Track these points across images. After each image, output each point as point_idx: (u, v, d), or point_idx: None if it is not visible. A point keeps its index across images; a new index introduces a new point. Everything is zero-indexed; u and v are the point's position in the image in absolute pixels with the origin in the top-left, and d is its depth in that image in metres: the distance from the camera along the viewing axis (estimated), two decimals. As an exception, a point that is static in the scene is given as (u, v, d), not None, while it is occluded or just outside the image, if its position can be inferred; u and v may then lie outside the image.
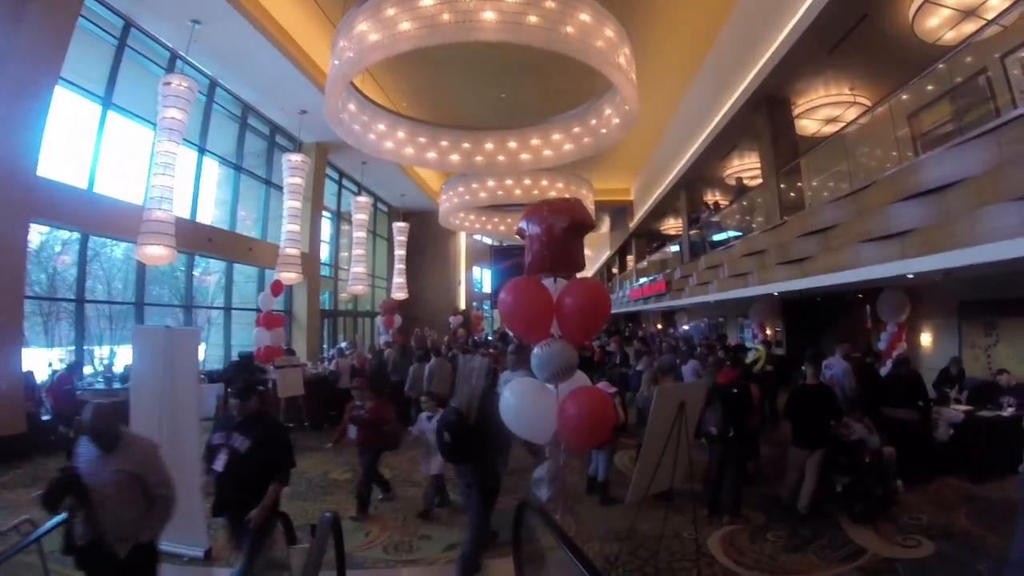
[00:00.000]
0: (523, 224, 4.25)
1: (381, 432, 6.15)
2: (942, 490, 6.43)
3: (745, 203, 13.34)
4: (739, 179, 14.19)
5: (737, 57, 10.96)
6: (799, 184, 10.38)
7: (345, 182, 18.76)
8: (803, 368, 6.51)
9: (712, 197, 16.98)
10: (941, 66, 8.13)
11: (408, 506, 6.29)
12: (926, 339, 9.56)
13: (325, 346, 16.79)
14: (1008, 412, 7.01)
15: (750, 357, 9.68)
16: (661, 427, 4.21)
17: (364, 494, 6.13)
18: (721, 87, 12.04)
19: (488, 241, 27.59)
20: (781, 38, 9.30)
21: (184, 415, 4.99)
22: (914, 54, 8.56)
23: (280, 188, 13.91)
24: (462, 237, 25.14)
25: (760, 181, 11.94)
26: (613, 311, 18.36)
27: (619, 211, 24.07)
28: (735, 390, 5.96)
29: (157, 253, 9.29)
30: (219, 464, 3.81)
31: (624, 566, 4.86)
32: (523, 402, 4.11)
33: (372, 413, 6.16)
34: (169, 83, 9.37)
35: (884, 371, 7.94)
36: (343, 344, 14.61)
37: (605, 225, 26.69)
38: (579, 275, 4.43)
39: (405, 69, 13.72)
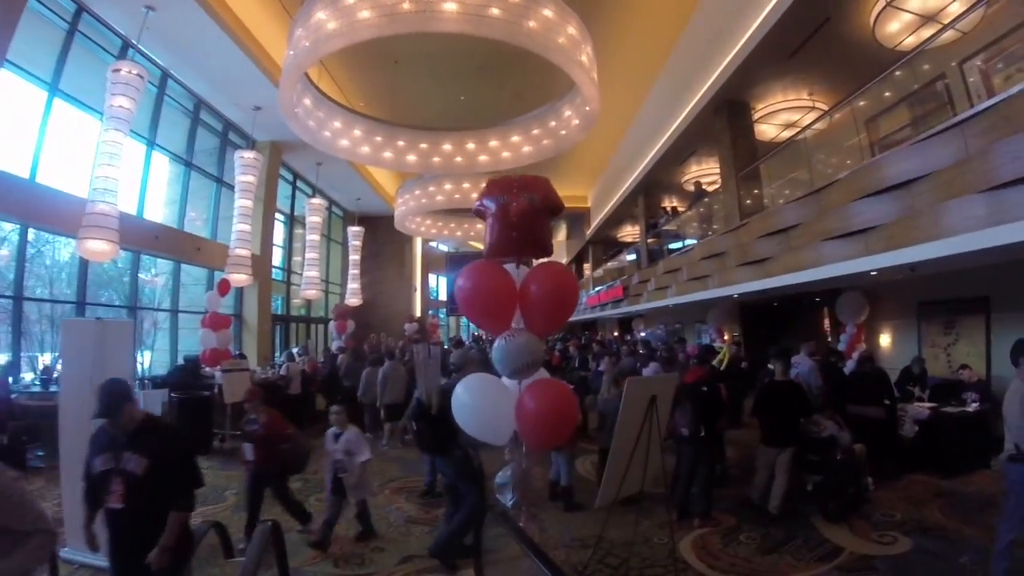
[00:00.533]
0: (484, 201, 3.76)
1: (279, 450, 5.10)
2: (912, 486, 6.32)
3: (703, 209, 13.29)
4: (698, 183, 14.15)
5: (699, 60, 10.87)
6: (756, 192, 10.37)
7: (299, 184, 17.98)
8: (770, 366, 6.32)
9: (670, 203, 16.91)
10: (898, 73, 8.25)
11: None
12: (885, 340, 9.56)
13: (277, 353, 15.96)
14: (973, 407, 6.97)
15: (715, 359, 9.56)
16: (631, 423, 3.87)
17: (298, 512, 5.42)
18: (682, 90, 11.95)
19: (444, 248, 27.07)
20: (742, 42, 9.21)
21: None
22: (874, 59, 8.51)
23: (232, 187, 13.14)
24: (418, 244, 24.55)
25: (719, 186, 11.90)
26: (570, 319, 18.14)
27: (576, 219, 23.84)
28: (704, 388, 5.69)
29: (99, 248, 8.55)
30: (116, 498, 2.80)
31: (593, 575, 4.50)
32: (478, 400, 3.67)
33: (266, 428, 5.09)
34: (119, 70, 8.70)
35: (847, 370, 7.86)
36: (295, 349, 13.82)
37: (561, 233, 26.48)
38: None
39: (362, 68, 13.25)
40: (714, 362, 9.02)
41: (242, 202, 12.50)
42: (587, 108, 10.00)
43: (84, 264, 9.77)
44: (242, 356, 10.57)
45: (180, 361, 10.92)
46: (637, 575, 4.44)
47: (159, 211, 12.45)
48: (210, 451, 8.76)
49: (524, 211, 3.66)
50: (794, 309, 11.83)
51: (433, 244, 26.93)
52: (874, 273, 7.00)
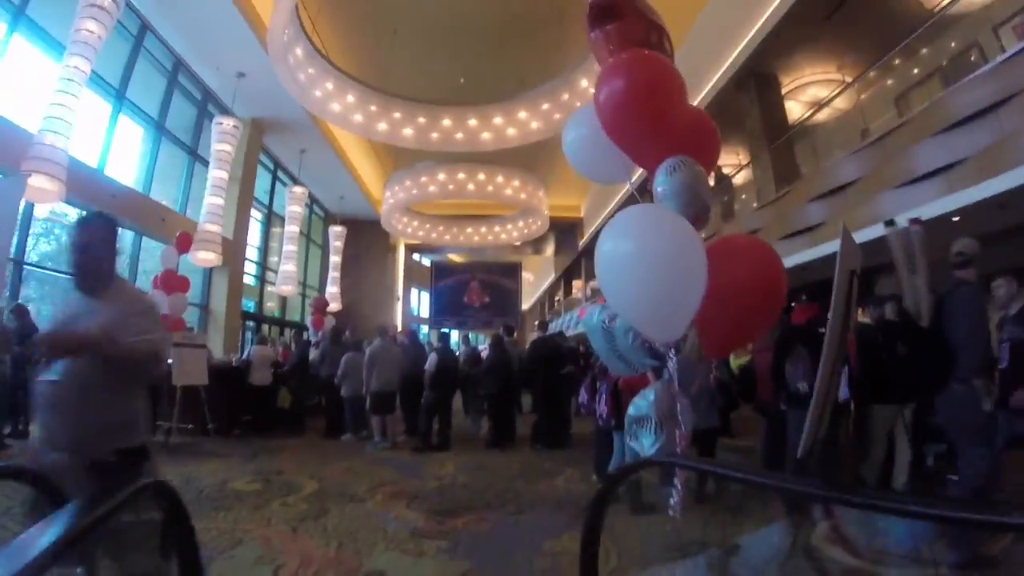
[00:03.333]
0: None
1: None
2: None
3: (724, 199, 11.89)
4: (718, 169, 12.69)
5: (723, 32, 9.56)
6: (791, 164, 8.97)
7: (280, 175, 15.97)
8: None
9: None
10: (925, 51, 7.33)
11: (346, 526, 3.84)
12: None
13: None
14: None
15: None
16: (842, 300, 2.19)
17: None
18: (701, 68, 10.60)
19: (427, 263, 25.15)
20: (776, 2, 7.98)
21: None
22: (910, 24, 7.44)
23: (206, 163, 11.16)
24: (401, 253, 22.59)
25: (745, 165, 10.54)
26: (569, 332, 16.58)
27: (567, 230, 21.64)
28: (823, 331, 4.00)
29: (41, 185, 6.72)
30: None
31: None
32: (657, 249, 1.99)
33: None
34: (91, -4, 7.26)
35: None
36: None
37: (550, 247, 24.71)
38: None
39: (358, 37, 11.58)
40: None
41: (217, 173, 10.56)
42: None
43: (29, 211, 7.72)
44: (190, 330, 8.40)
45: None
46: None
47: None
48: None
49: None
50: (817, 298, 10.36)
51: (416, 257, 24.96)
52: (956, 220, 5.67)
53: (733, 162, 12.12)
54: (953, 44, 7.49)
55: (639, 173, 2.67)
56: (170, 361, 7.06)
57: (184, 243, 8.13)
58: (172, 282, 7.76)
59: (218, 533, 3.53)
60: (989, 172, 4.95)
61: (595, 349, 2.67)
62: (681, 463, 1.67)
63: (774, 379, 4.18)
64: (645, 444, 1.98)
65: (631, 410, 2.06)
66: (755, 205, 9.87)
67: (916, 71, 8.08)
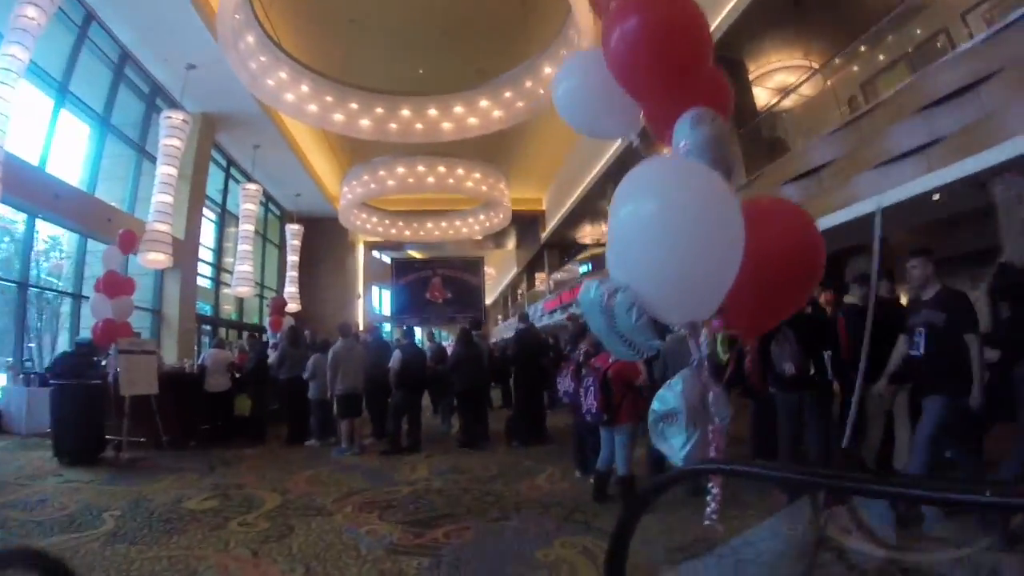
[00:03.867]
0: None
1: None
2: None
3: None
4: None
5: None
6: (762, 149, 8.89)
7: (234, 172, 15.16)
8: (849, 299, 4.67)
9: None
10: (891, 39, 7.38)
11: (313, 545, 3.37)
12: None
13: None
14: None
15: None
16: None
17: None
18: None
19: (387, 260, 24.46)
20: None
21: None
22: (878, 11, 7.41)
23: (155, 160, 10.34)
24: (360, 252, 21.91)
25: None
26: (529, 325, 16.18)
27: (529, 222, 21.06)
28: (809, 309, 3.86)
29: None
30: None
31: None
32: (683, 198, 1.67)
33: None
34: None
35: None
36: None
37: (511, 241, 24.34)
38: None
39: (313, 27, 10.93)
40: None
41: (165, 170, 9.83)
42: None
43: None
44: (138, 335, 7.76)
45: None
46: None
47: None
48: (97, 461, 5.99)
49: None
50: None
51: (376, 254, 24.23)
52: (936, 198, 5.63)
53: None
54: (919, 31, 7.49)
55: (639, 127, 2.37)
56: (117, 369, 6.48)
57: (127, 241, 7.38)
58: (115, 284, 7.06)
59: (169, 563, 3.08)
60: (968, 151, 4.86)
61: (593, 329, 2.35)
62: (730, 469, 1.35)
63: (761, 361, 3.99)
64: (675, 445, 1.67)
65: (655, 404, 1.74)
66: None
67: (882, 57, 8.08)
